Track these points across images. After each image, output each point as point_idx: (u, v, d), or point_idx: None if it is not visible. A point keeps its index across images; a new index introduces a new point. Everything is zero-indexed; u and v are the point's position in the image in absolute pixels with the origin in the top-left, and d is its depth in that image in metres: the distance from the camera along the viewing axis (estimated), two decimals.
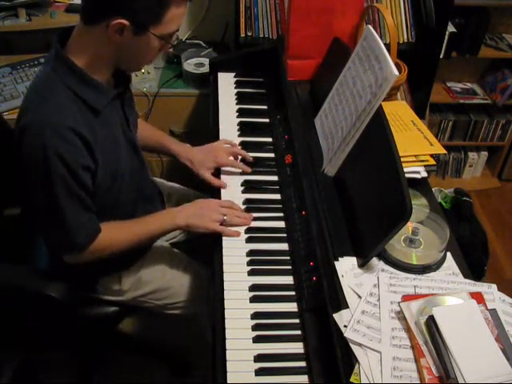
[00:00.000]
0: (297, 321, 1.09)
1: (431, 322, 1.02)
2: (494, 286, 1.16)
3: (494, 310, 1.08)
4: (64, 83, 1.09)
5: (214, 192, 1.40)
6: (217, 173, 1.45)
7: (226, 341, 1.04)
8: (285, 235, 1.27)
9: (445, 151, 1.41)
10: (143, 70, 2.06)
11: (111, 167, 1.19)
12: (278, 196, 1.38)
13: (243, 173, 1.44)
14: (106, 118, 1.17)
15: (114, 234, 1.24)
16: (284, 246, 1.25)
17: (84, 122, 1.10)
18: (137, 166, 1.32)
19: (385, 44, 1.29)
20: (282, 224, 1.30)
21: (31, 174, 1.10)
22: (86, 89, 1.11)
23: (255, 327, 1.08)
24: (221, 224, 1.26)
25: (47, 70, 1.11)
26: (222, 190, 1.39)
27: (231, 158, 1.47)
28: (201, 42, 2.23)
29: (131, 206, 1.33)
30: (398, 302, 1.09)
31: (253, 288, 1.15)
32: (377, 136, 1.25)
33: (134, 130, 1.32)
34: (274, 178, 1.43)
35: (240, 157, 1.48)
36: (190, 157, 1.47)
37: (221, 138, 1.55)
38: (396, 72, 1.19)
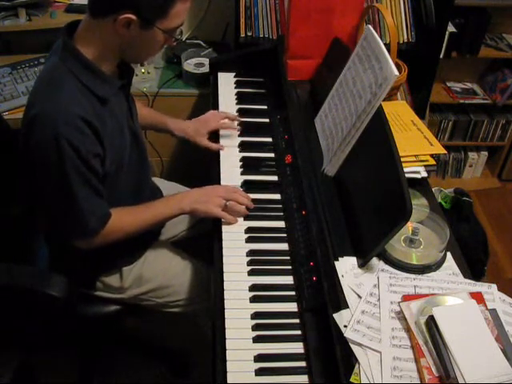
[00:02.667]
0: (297, 321, 1.09)
1: (431, 322, 1.02)
2: (494, 286, 1.16)
3: (494, 310, 1.09)
4: (72, 73, 1.10)
5: None
6: (217, 173, 1.44)
7: (226, 341, 1.04)
8: (285, 235, 1.27)
9: (445, 151, 1.41)
10: (143, 70, 2.06)
11: (117, 157, 1.21)
12: (278, 196, 1.38)
13: (243, 173, 1.44)
14: (113, 108, 1.19)
15: (124, 218, 1.27)
16: (284, 246, 1.25)
17: (93, 111, 1.11)
18: (138, 158, 1.33)
19: (385, 44, 1.29)
20: (282, 224, 1.30)
21: (43, 164, 1.11)
22: (92, 79, 1.12)
23: (255, 327, 1.08)
24: (223, 210, 1.29)
25: (55, 60, 1.12)
26: None
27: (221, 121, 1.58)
28: (201, 42, 2.22)
29: (130, 201, 1.33)
30: (398, 302, 1.09)
31: (253, 288, 1.15)
32: (377, 136, 1.25)
33: (137, 122, 1.34)
34: (274, 177, 1.43)
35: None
36: (185, 128, 1.57)
37: (221, 137, 1.56)
38: (396, 72, 1.19)
